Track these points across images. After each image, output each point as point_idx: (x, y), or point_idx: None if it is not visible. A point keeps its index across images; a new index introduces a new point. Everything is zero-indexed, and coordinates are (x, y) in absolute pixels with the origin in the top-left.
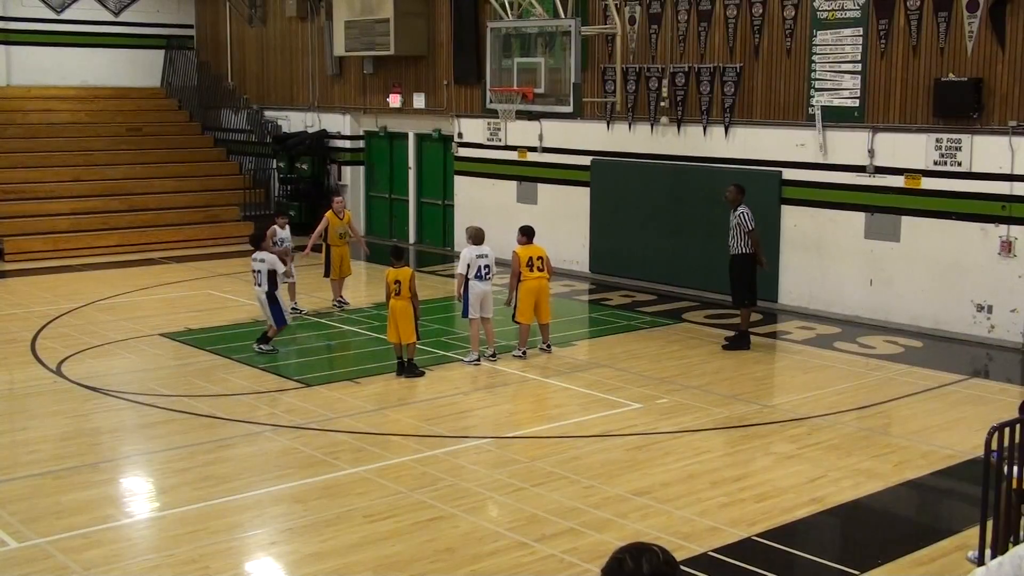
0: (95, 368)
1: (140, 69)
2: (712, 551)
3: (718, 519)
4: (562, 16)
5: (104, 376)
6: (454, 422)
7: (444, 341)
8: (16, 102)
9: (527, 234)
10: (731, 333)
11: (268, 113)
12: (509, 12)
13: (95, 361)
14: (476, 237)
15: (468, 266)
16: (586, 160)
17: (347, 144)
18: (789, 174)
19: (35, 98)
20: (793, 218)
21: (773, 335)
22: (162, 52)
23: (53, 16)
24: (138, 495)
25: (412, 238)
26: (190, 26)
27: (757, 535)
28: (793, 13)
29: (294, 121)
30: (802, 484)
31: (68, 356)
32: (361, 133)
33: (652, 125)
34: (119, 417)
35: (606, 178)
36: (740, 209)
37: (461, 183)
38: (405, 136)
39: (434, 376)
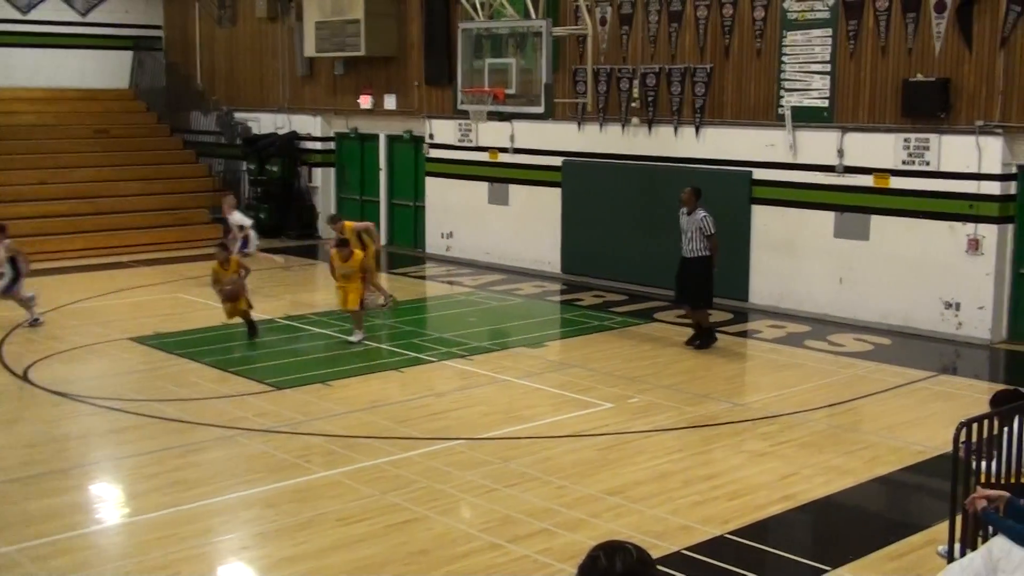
0: (62, 373)
1: (108, 70)
2: (685, 549)
3: (690, 517)
4: (533, 17)
5: (72, 381)
6: (427, 424)
7: (416, 343)
8: None
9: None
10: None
11: (238, 115)
12: (480, 13)
13: (62, 366)
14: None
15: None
16: (557, 161)
17: (318, 146)
18: (759, 174)
19: (0, 100)
20: (763, 218)
21: (744, 334)
22: (130, 53)
23: (19, 16)
24: (107, 501)
25: (383, 240)
26: (158, 27)
27: (730, 533)
28: (763, 14)
29: (264, 123)
30: (774, 481)
31: (35, 361)
32: (332, 135)
33: (623, 126)
34: (87, 423)
35: (577, 179)
36: (701, 212)
37: (432, 184)
38: (376, 137)
39: (406, 378)
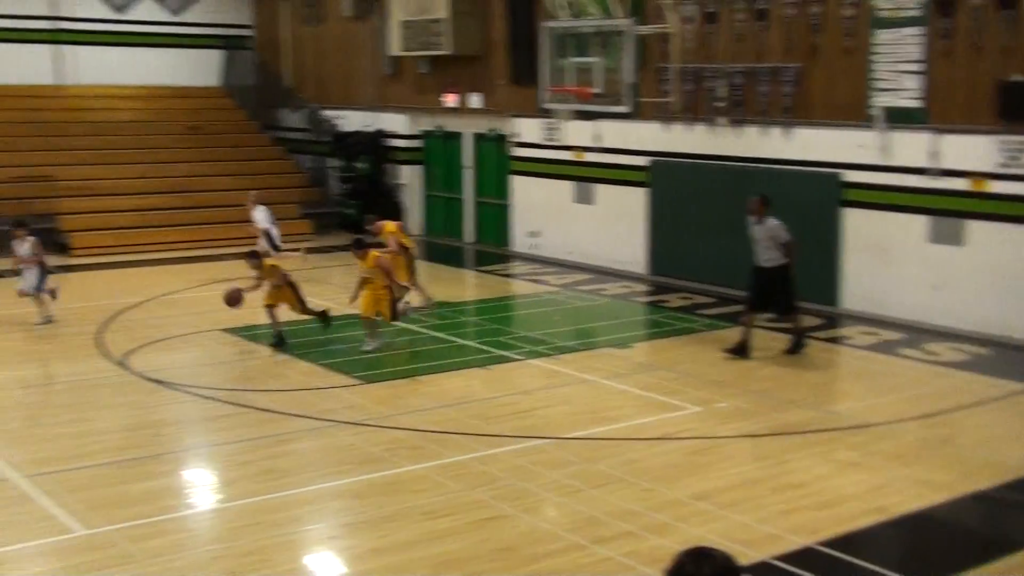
0: (158, 361)
1: (200, 69)
2: (772, 558)
3: (778, 526)
4: (617, 16)
5: (167, 369)
6: (512, 422)
7: (503, 341)
8: (81, 100)
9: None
10: (737, 342)
11: (326, 112)
12: (564, 12)
13: (158, 354)
14: None
15: None
16: (643, 160)
17: (404, 143)
18: (849, 176)
19: (99, 97)
20: (854, 221)
21: (834, 340)
22: (221, 52)
23: (115, 16)
24: (200, 486)
25: (469, 238)
26: (249, 26)
27: (818, 544)
28: (852, 12)
29: (351, 120)
30: (864, 493)
31: (132, 349)
32: (418, 132)
33: (710, 125)
34: (181, 410)
35: (664, 179)
36: (772, 221)
37: (518, 183)
38: (461, 135)
39: (493, 375)
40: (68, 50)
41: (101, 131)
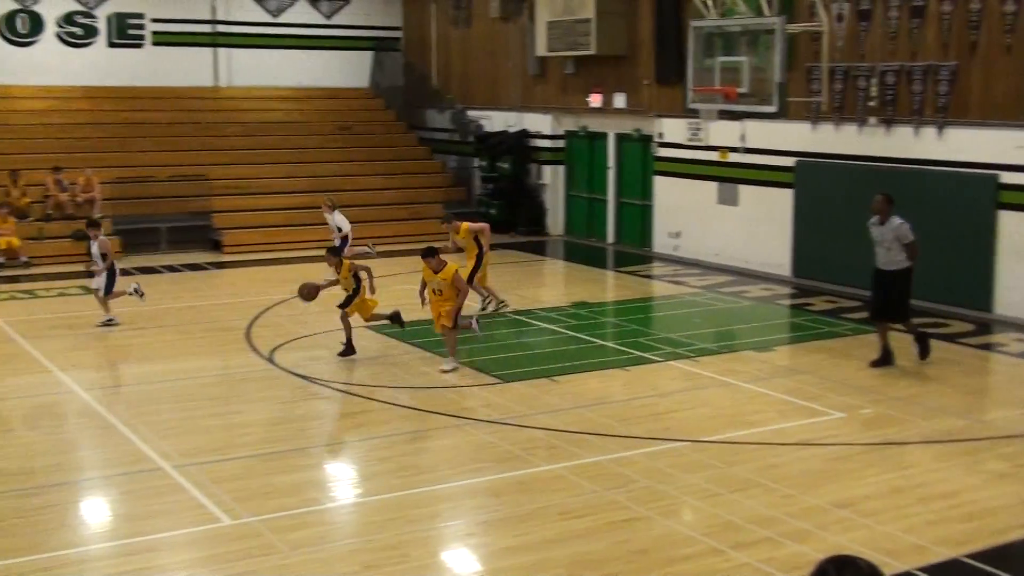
0: (304, 357)
1: (349, 70)
2: (917, 569)
3: (924, 536)
4: (767, 14)
5: (312, 365)
6: (650, 423)
7: (642, 342)
8: (235, 102)
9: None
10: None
11: (471, 113)
12: (712, 10)
13: (304, 351)
14: None
15: None
16: (790, 161)
17: (547, 144)
18: (1007, 177)
19: (252, 98)
20: (1011, 224)
21: (987, 347)
22: (371, 53)
23: (270, 20)
24: (342, 480)
25: (611, 238)
26: (398, 28)
27: (966, 556)
28: (1014, 8)
29: (496, 120)
30: (1015, 505)
31: (279, 345)
32: (562, 133)
33: (860, 126)
34: (325, 405)
35: (811, 180)
36: (897, 220)
37: (661, 183)
38: (605, 136)
39: (631, 377)
40: (225, 53)
41: (254, 131)
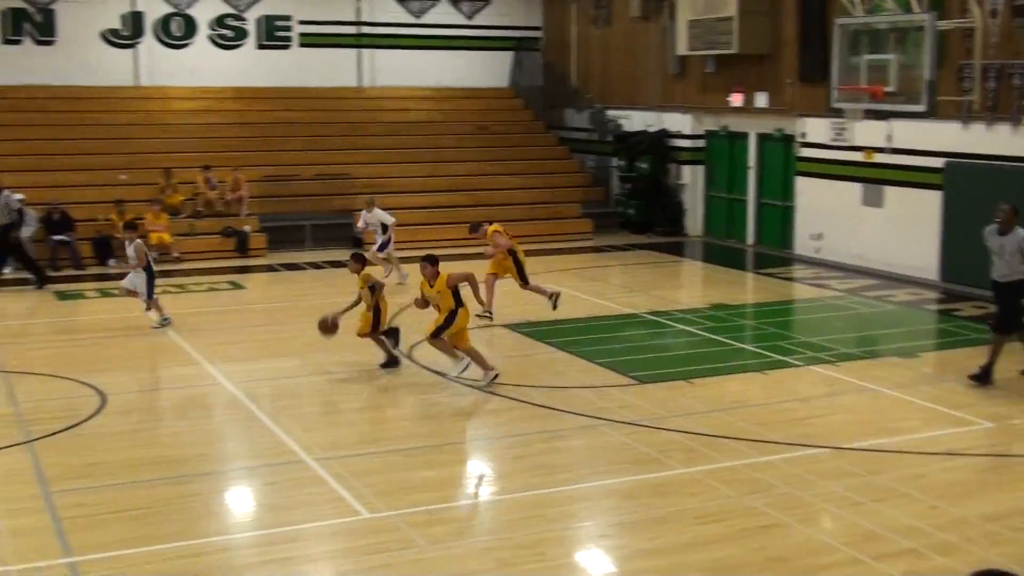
0: (440, 354)
1: (489, 70)
2: None
3: None
4: (916, 10)
5: (448, 363)
6: (789, 429)
7: (781, 345)
8: (377, 102)
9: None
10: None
11: (610, 112)
12: (859, 8)
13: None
14: None
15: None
16: (939, 162)
17: (687, 143)
18: None
19: (394, 98)
20: None
21: None
22: (510, 53)
23: (413, 20)
24: (477, 478)
25: (750, 239)
26: (538, 28)
27: None
28: None
29: (635, 120)
30: None
31: (419, 342)
32: (701, 132)
33: (1014, 125)
34: (462, 402)
35: (961, 181)
36: (1022, 232)
37: (803, 184)
38: (746, 136)
39: (770, 380)
40: (368, 53)
41: (394, 131)
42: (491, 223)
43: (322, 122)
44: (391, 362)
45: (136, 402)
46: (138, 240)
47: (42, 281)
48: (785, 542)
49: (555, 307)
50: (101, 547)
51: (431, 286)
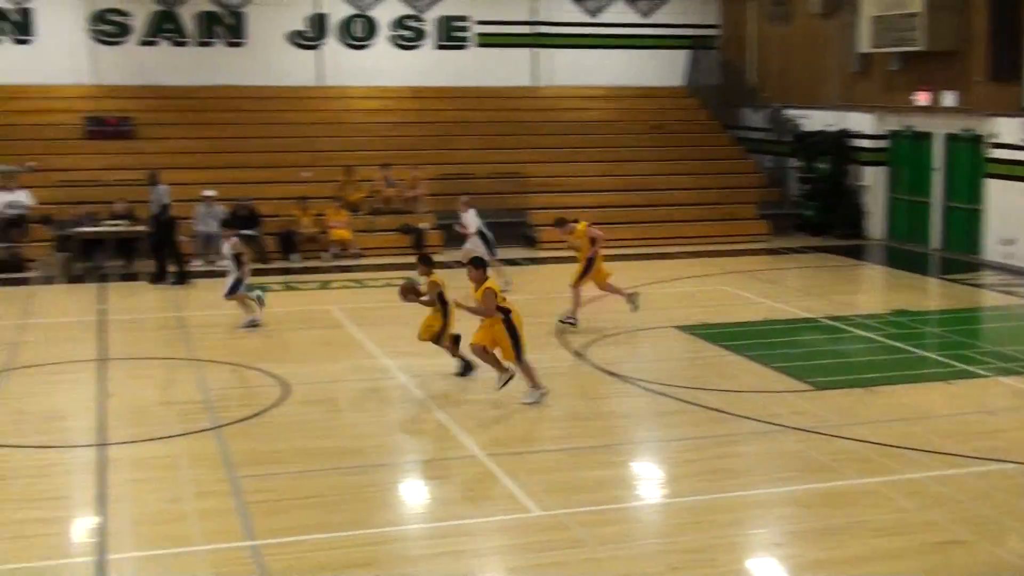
0: (612, 355)
1: (664, 69)
2: None
3: None
4: None
5: (620, 363)
6: (976, 442)
7: (968, 355)
8: (552, 101)
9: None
10: None
11: (788, 111)
12: None
13: (612, 348)
14: None
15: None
16: None
17: (868, 144)
18: None
19: (568, 97)
20: None
21: None
22: (686, 52)
23: (588, 19)
24: (647, 480)
25: (936, 244)
26: (715, 26)
27: None
28: None
29: (814, 120)
30: None
31: (589, 342)
32: (884, 132)
33: None
34: (633, 403)
35: None
36: None
37: (993, 187)
38: (931, 136)
39: (955, 391)
40: (544, 53)
41: (569, 130)
42: (577, 221)
43: (497, 121)
44: (467, 369)
45: (317, 392)
46: (234, 238)
47: (183, 277)
48: (969, 560)
49: (634, 308)
50: (282, 532)
51: (475, 290)
